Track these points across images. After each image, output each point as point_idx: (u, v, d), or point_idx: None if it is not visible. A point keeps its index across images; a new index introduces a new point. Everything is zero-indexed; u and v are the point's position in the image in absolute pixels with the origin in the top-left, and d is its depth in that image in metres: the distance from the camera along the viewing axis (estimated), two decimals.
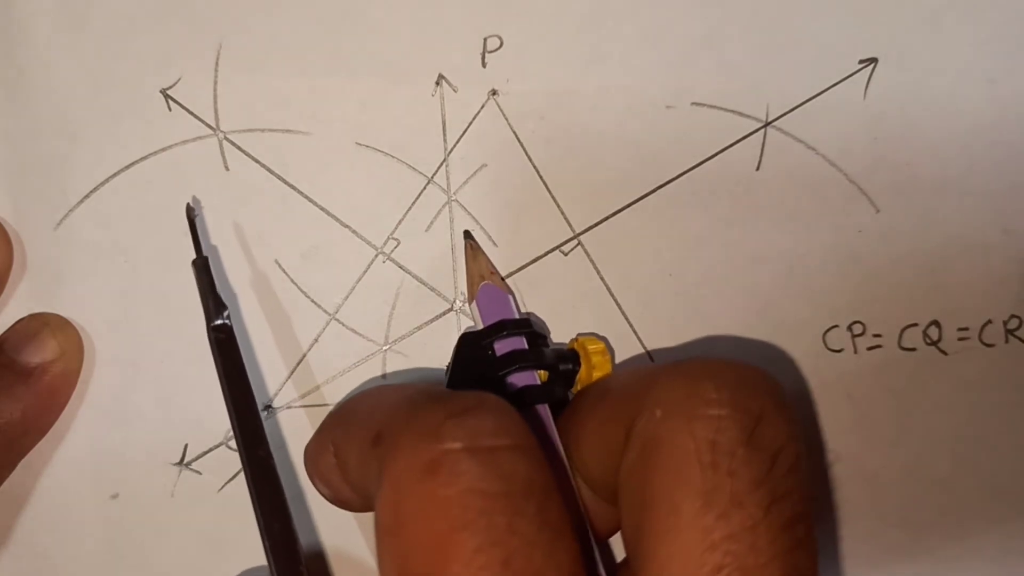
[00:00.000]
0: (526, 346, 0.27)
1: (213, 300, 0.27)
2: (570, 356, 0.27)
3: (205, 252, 0.28)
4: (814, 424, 0.30)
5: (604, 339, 0.29)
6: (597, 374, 0.27)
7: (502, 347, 0.27)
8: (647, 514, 0.21)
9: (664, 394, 0.22)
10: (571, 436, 0.25)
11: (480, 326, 0.28)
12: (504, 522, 0.20)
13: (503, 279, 0.29)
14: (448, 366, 0.29)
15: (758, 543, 0.20)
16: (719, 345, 0.29)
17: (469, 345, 0.28)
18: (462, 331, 0.29)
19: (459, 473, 0.20)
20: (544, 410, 0.26)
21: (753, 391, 0.22)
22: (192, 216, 0.28)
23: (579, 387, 0.27)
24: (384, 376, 0.29)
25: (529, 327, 0.28)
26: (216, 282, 0.28)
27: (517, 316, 0.28)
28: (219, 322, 0.27)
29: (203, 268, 0.28)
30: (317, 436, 0.26)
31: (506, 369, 0.27)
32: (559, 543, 0.20)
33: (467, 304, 0.29)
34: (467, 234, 0.29)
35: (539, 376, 0.27)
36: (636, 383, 0.23)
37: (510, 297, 0.28)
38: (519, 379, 0.27)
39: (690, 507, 0.20)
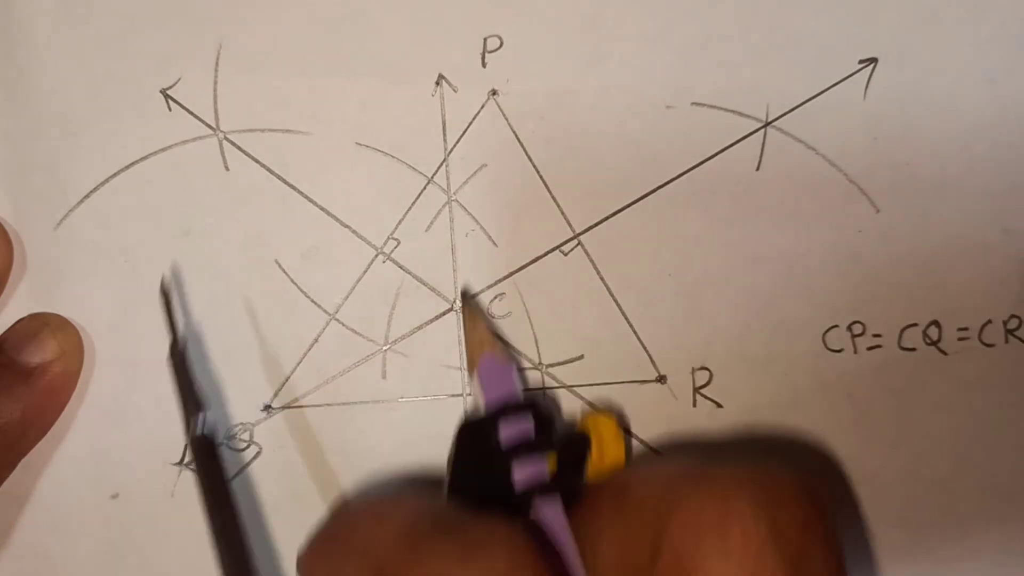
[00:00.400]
0: (533, 429, 0.26)
1: (192, 401, 0.26)
2: (580, 440, 0.26)
3: (183, 334, 0.27)
4: (814, 424, 0.30)
5: (618, 412, 0.29)
6: (609, 459, 0.26)
7: (508, 430, 0.26)
8: None
9: (695, 514, 0.20)
10: (587, 539, 0.24)
11: (481, 400, 0.27)
12: None
13: (504, 345, 0.28)
14: (450, 457, 0.27)
15: None
16: (718, 346, 0.29)
17: (472, 434, 0.26)
18: (463, 417, 0.28)
19: None
20: (556, 506, 0.25)
21: (794, 512, 0.20)
22: (167, 291, 0.27)
23: (591, 469, 0.26)
24: (384, 376, 0.29)
25: (536, 408, 0.26)
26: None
27: (520, 391, 0.27)
28: (198, 433, 0.26)
29: (180, 363, 0.26)
30: (311, 553, 0.24)
31: (513, 458, 0.25)
32: None
33: (467, 375, 0.28)
34: (465, 297, 0.29)
35: (548, 461, 0.26)
36: (661, 492, 0.22)
37: (513, 368, 0.27)
38: (527, 467, 0.25)
39: None
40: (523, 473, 0.25)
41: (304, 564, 0.24)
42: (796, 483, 0.21)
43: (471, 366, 0.28)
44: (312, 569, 0.23)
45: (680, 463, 0.24)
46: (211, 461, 0.26)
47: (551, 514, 0.24)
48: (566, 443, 0.26)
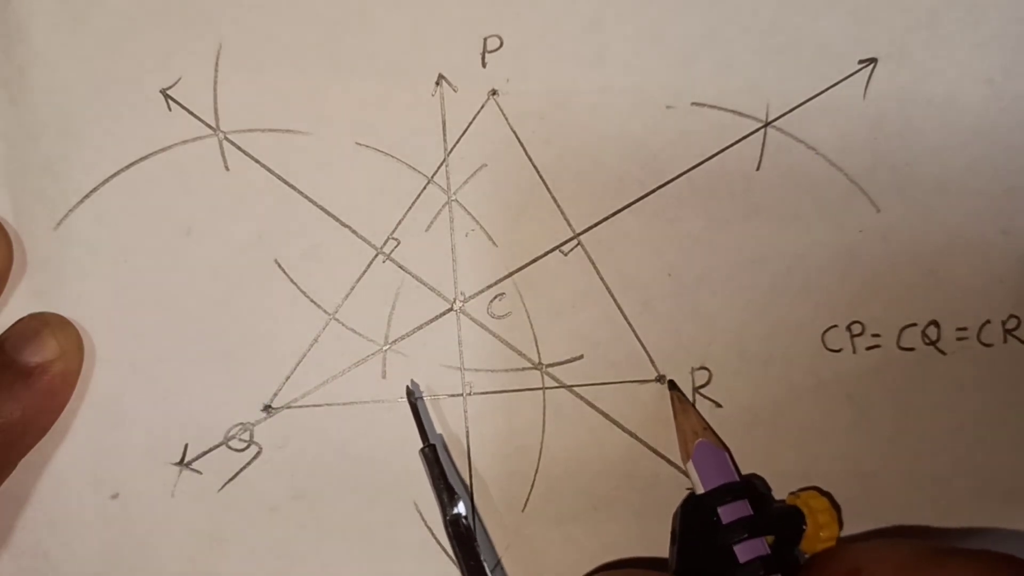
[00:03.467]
0: (751, 510, 0.27)
1: (447, 491, 0.28)
2: (796, 517, 0.27)
3: (431, 438, 0.29)
4: (814, 424, 0.30)
5: (828, 495, 0.29)
6: (824, 534, 0.27)
7: (727, 513, 0.27)
8: None
9: None
10: None
11: (700, 487, 0.28)
12: None
13: (716, 434, 0.29)
14: (673, 531, 0.28)
15: None
16: (718, 346, 0.29)
17: (694, 511, 0.28)
18: (686, 494, 0.28)
19: None
20: None
21: None
22: (414, 400, 0.29)
23: (805, 543, 0.27)
24: (384, 376, 0.29)
25: (752, 489, 0.28)
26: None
27: (736, 476, 0.28)
28: (455, 512, 0.28)
29: (433, 459, 0.28)
30: None
31: (734, 538, 0.27)
32: None
33: (683, 462, 0.29)
34: (672, 385, 0.29)
35: (766, 540, 0.27)
36: (897, 574, 0.23)
37: (726, 454, 0.28)
38: (748, 546, 0.27)
39: None
40: (746, 552, 0.26)
41: None
42: None
43: (685, 455, 0.29)
44: None
45: (909, 546, 0.25)
46: (466, 541, 0.28)
47: None
48: (781, 519, 0.27)
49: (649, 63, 0.29)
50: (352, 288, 0.29)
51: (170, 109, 0.28)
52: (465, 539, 0.28)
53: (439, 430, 0.29)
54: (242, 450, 0.29)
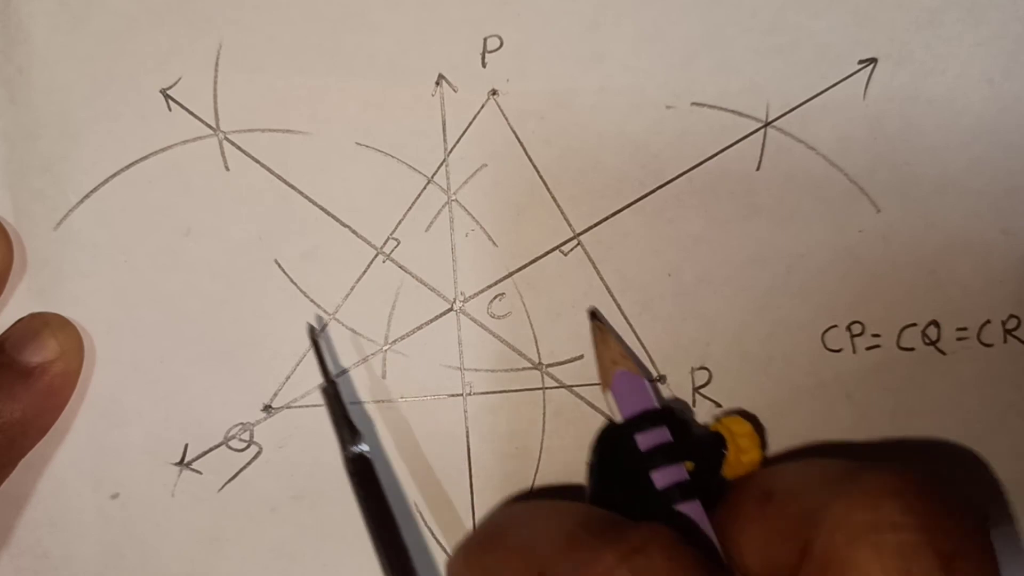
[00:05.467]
0: (670, 437, 0.27)
1: (348, 428, 0.27)
2: (716, 442, 0.27)
3: (333, 372, 0.28)
4: (814, 424, 0.30)
5: (753, 417, 0.29)
6: (746, 459, 0.27)
7: (645, 440, 0.26)
8: None
9: (844, 515, 0.21)
10: (731, 540, 0.24)
11: (617, 415, 0.27)
12: None
13: (636, 362, 0.29)
14: (589, 463, 0.28)
15: None
16: (718, 346, 0.29)
17: (611, 441, 0.27)
18: (602, 425, 0.28)
19: None
20: (696, 508, 0.26)
21: (944, 512, 0.21)
22: (315, 336, 0.28)
23: (728, 469, 0.27)
24: (384, 376, 0.29)
25: (671, 416, 0.27)
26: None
27: (656, 403, 0.27)
28: (356, 451, 0.27)
29: (333, 395, 0.28)
30: (464, 559, 0.24)
31: (652, 464, 0.26)
32: None
33: (602, 390, 0.29)
34: (593, 314, 0.29)
35: (686, 465, 0.26)
36: (807, 495, 0.22)
37: (646, 381, 0.28)
38: (666, 473, 0.26)
39: None
40: (663, 479, 0.26)
41: (459, 566, 0.24)
42: (943, 484, 0.22)
43: (604, 384, 0.28)
44: (468, 571, 0.24)
45: (821, 465, 0.25)
46: (369, 480, 0.27)
47: (693, 516, 0.25)
48: (702, 445, 0.27)
49: (649, 63, 0.29)
50: (352, 288, 0.29)
51: (170, 109, 0.28)
52: (367, 478, 0.27)
53: (438, 430, 0.29)
54: (242, 450, 0.29)
